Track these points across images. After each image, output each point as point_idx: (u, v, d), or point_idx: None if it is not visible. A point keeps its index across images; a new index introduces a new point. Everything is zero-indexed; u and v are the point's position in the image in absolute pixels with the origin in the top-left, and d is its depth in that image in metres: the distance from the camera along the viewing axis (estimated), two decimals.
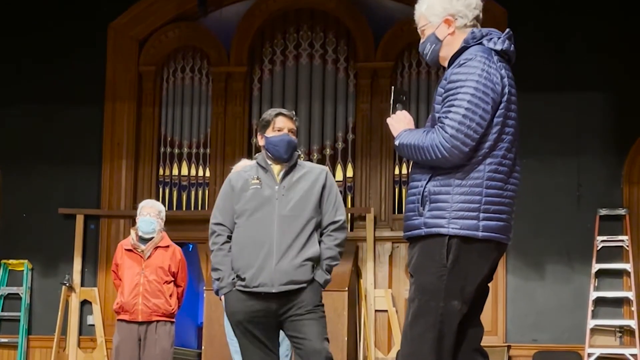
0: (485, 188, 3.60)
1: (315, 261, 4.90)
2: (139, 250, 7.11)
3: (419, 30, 3.82)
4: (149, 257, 7.10)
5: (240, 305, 4.87)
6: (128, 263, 7.11)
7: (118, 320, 7.16)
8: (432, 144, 3.57)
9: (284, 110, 5.18)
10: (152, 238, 7.14)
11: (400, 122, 3.80)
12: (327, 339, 4.87)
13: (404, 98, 3.87)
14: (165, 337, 7.07)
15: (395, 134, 3.79)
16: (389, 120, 3.83)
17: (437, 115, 3.65)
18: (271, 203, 4.93)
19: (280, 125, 5.06)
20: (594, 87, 9.49)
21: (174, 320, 7.20)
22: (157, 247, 7.14)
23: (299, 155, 5.14)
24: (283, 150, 5.02)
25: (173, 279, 7.17)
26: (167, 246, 7.19)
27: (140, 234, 7.15)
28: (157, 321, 7.05)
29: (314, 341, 4.80)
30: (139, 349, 7.06)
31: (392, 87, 3.93)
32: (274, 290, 4.82)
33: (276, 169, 5.02)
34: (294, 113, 5.23)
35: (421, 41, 3.81)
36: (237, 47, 10.34)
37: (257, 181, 4.98)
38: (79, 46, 10.34)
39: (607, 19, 9.50)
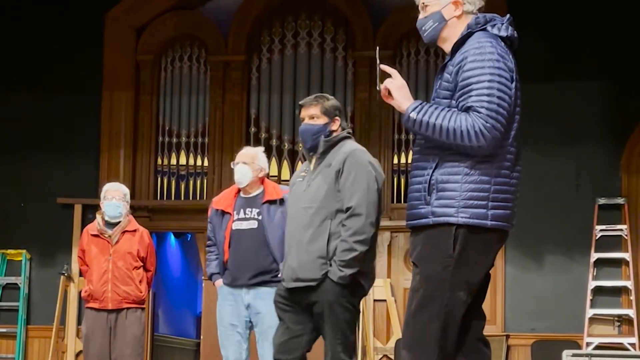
0: (494, 177, 3.56)
1: (324, 256, 4.70)
2: (106, 236, 6.91)
3: (419, 4, 3.74)
4: (116, 242, 6.90)
5: (277, 292, 4.92)
6: (95, 249, 6.92)
7: (87, 308, 6.99)
8: (473, 130, 3.47)
9: (302, 100, 5.04)
10: (118, 222, 6.95)
11: (402, 90, 3.65)
12: (341, 344, 4.70)
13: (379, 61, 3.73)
14: (136, 324, 6.89)
15: (402, 103, 3.63)
16: (390, 86, 3.65)
17: (444, 100, 3.59)
18: (299, 195, 4.85)
19: (302, 116, 4.95)
20: (592, 76, 9.47)
21: (144, 306, 7.04)
22: (124, 232, 6.93)
23: (340, 138, 4.90)
24: (304, 140, 4.92)
25: (142, 264, 6.98)
26: (135, 230, 6.98)
27: (106, 218, 6.94)
28: (128, 308, 6.88)
29: (326, 348, 4.73)
30: (109, 337, 6.89)
31: (377, 48, 3.82)
32: (288, 287, 4.78)
33: (313, 159, 4.90)
34: (314, 97, 4.99)
35: (421, 16, 3.73)
36: (236, 36, 10.31)
37: (304, 174, 4.92)
38: (77, 35, 10.31)
39: (606, 6, 9.48)
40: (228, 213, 6.08)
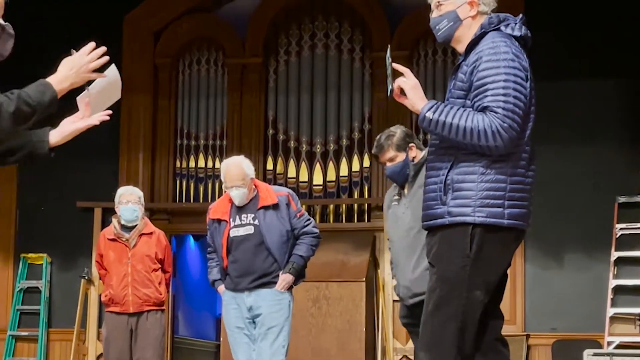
0: (510, 176, 3.57)
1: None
2: (124, 239, 6.94)
3: (432, 3, 3.74)
4: (134, 245, 6.92)
5: (400, 314, 5.35)
6: (113, 253, 6.94)
7: (107, 312, 7.02)
8: (490, 130, 3.48)
9: (374, 149, 5.38)
10: (135, 226, 6.97)
11: (415, 89, 3.66)
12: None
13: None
14: (156, 326, 6.94)
15: (417, 102, 3.63)
16: (404, 85, 3.65)
17: (458, 100, 3.60)
18: (400, 218, 5.18)
19: (381, 161, 5.33)
20: (610, 74, 9.43)
21: (164, 308, 7.07)
22: (141, 235, 6.96)
23: (425, 159, 5.15)
24: (395, 181, 5.33)
25: (160, 266, 7.01)
26: (151, 233, 7.02)
27: (123, 222, 6.97)
28: (148, 311, 6.92)
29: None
30: (130, 340, 6.93)
31: (388, 46, 3.83)
32: (407, 304, 5.15)
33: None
34: (383, 141, 5.28)
35: (435, 15, 3.73)
36: (253, 38, 10.33)
37: (397, 197, 5.27)
38: (95, 38, 10.29)
39: (623, 4, 9.43)
40: (224, 221, 6.16)
